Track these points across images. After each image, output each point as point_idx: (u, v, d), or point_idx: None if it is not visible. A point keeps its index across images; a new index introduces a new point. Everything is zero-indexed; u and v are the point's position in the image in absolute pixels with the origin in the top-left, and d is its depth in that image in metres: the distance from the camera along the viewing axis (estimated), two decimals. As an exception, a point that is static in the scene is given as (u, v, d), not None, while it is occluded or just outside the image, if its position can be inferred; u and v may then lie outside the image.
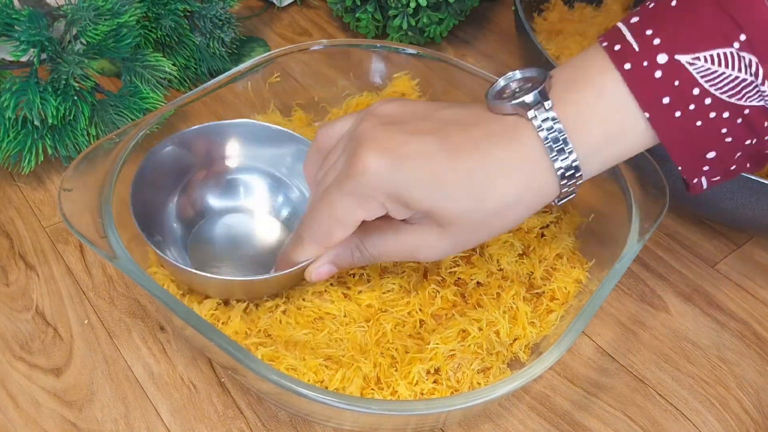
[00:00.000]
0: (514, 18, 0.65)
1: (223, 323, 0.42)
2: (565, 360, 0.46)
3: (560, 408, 0.44)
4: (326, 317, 0.43)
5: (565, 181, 0.34)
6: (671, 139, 0.33)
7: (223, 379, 0.44)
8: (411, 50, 0.57)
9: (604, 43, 0.34)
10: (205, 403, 0.43)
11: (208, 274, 0.40)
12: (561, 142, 0.33)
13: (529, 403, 0.44)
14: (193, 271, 0.40)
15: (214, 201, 0.48)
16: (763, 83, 0.31)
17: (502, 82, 0.36)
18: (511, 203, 0.34)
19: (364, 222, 0.37)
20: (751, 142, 0.33)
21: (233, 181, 0.49)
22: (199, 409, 0.43)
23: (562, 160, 0.33)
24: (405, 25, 0.68)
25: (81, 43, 0.53)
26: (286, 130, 0.48)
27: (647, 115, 0.32)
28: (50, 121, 0.51)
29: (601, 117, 0.33)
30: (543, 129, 0.33)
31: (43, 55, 0.51)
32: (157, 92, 0.56)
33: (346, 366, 0.40)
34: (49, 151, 0.53)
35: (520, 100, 0.33)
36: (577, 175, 0.34)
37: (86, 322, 0.47)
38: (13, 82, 0.50)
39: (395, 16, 0.68)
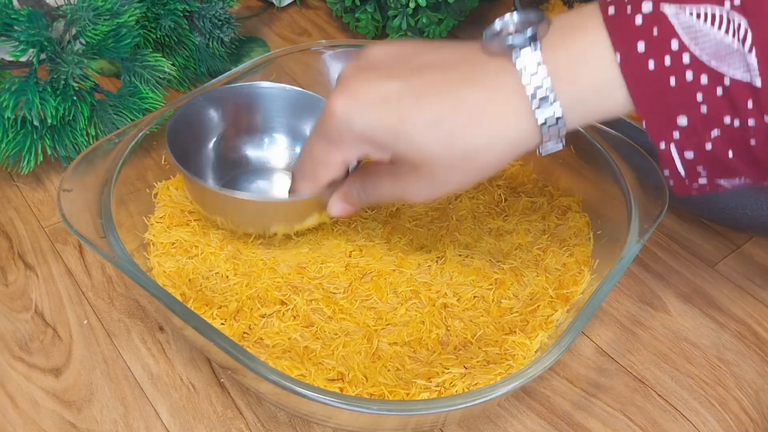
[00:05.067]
0: (513, 18, 0.65)
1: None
2: (565, 360, 0.46)
3: (560, 408, 0.44)
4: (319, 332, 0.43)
5: (548, 129, 0.33)
6: (640, 91, 0.31)
7: (222, 380, 0.44)
8: (410, 50, 0.57)
9: None
10: (204, 404, 0.43)
11: (242, 193, 0.44)
12: (545, 89, 0.32)
13: (529, 403, 0.44)
14: (225, 190, 0.44)
15: (245, 155, 0.52)
16: (750, 50, 0.29)
17: (498, 24, 0.34)
18: (482, 148, 0.33)
19: (367, 163, 0.39)
20: (732, 122, 0.30)
21: (261, 139, 0.52)
22: (199, 410, 0.43)
23: (544, 108, 0.32)
24: (404, 26, 0.68)
25: (80, 43, 0.53)
26: (312, 94, 0.50)
27: (618, 58, 0.30)
28: (49, 121, 0.51)
29: (590, 66, 0.31)
30: (526, 73, 0.32)
31: (43, 55, 0.51)
32: (157, 92, 0.56)
33: (352, 383, 0.40)
34: (49, 152, 0.53)
35: (510, 42, 0.32)
36: (560, 125, 0.32)
37: (85, 322, 0.47)
38: (13, 82, 0.50)
39: (395, 16, 0.68)
